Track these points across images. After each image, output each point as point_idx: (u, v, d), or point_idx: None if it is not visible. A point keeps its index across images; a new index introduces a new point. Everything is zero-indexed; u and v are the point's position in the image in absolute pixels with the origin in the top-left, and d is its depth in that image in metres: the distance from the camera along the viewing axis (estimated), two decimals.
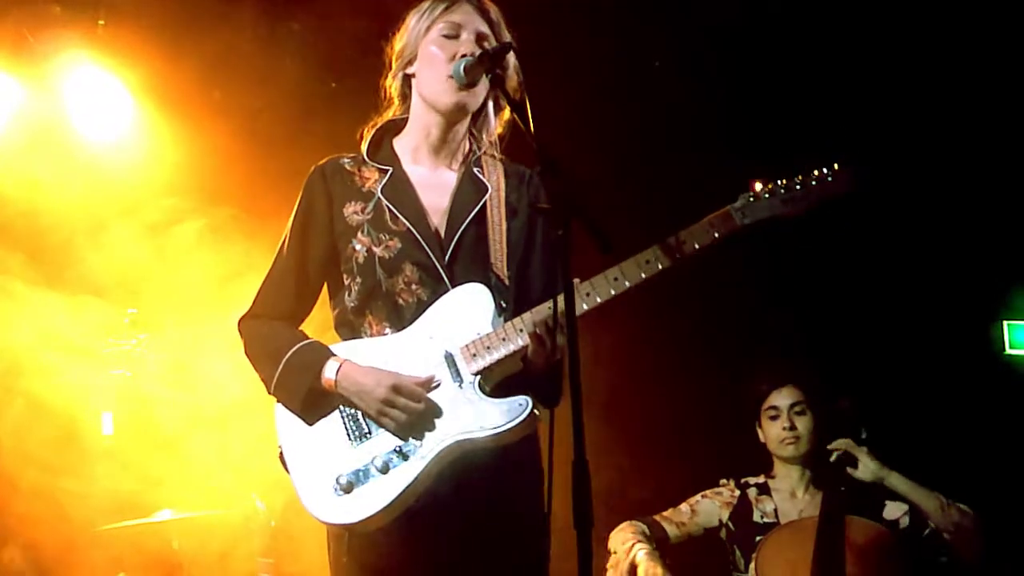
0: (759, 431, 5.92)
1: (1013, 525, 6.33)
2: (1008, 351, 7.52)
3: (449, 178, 3.94)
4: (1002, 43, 6.87)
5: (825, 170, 3.71)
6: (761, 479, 5.88)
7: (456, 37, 3.85)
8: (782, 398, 5.81)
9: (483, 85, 3.84)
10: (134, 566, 6.68)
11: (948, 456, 6.66)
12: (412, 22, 3.96)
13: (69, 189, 7.03)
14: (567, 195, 3.22)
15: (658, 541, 5.60)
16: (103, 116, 7.20)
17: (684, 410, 7.28)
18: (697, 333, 7.36)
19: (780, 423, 5.77)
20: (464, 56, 3.77)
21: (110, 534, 6.59)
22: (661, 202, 6.75)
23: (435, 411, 3.64)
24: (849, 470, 5.52)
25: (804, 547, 5.35)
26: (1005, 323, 7.52)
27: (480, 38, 3.85)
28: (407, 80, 3.98)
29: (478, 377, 3.67)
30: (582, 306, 3.59)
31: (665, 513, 5.79)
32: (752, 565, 5.51)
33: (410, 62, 3.95)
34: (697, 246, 3.66)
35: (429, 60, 3.86)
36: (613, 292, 3.65)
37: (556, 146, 3.30)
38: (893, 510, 5.54)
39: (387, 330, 3.76)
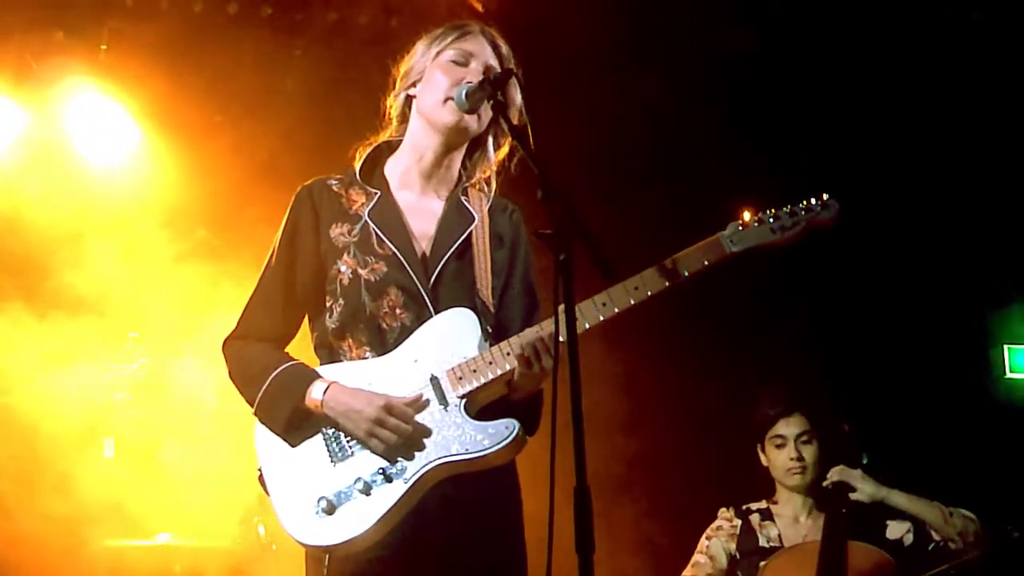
0: (761, 455, 5.90)
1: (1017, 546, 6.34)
2: (1009, 375, 7.55)
3: (436, 206, 3.93)
4: (996, 69, 6.91)
5: (814, 201, 3.76)
6: (764, 504, 5.86)
7: (465, 65, 3.86)
8: (790, 427, 5.77)
9: (485, 113, 3.85)
10: None
11: (950, 478, 6.67)
12: (422, 46, 3.97)
13: (70, 213, 7.04)
14: (570, 219, 3.23)
15: None
16: (105, 141, 7.23)
17: (684, 433, 7.28)
18: (698, 355, 7.37)
19: (787, 452, 5.74)
20: (468, 83, 3.79)
21: (111, 557, 6.58)
22: (655, 227, 6.78)
23: (422, 433, 3.62)
24: (847, 486, 5.52)
25: (806, 571, 5.34)
26: (1006, 347, 7.55)
27: (488, 71, 3.84)
28: (408, 101, 3.98)
29: (464, 401, 3.66)
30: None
31: (687, 573, 5.77)
32: None
33: (414, 83, 3.95)
34: (686, 273, 3.68)
35: (433, 81, 3.86)
36: (601, 317, 3.65)
37: (556, 171, 3.31)
38: (896, 529, 5.53)
39: (367, 354, 3.75)
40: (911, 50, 6.97)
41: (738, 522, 5.80)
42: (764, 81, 7.14)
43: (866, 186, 6.99)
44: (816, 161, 7.03)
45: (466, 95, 3.75)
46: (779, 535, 5.72)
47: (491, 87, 3.69)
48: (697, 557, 5.79)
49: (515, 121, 3.84)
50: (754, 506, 5.85)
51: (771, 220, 3.73)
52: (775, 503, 5.84)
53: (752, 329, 7.26)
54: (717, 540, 5.79)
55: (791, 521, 5.76)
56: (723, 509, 5.89)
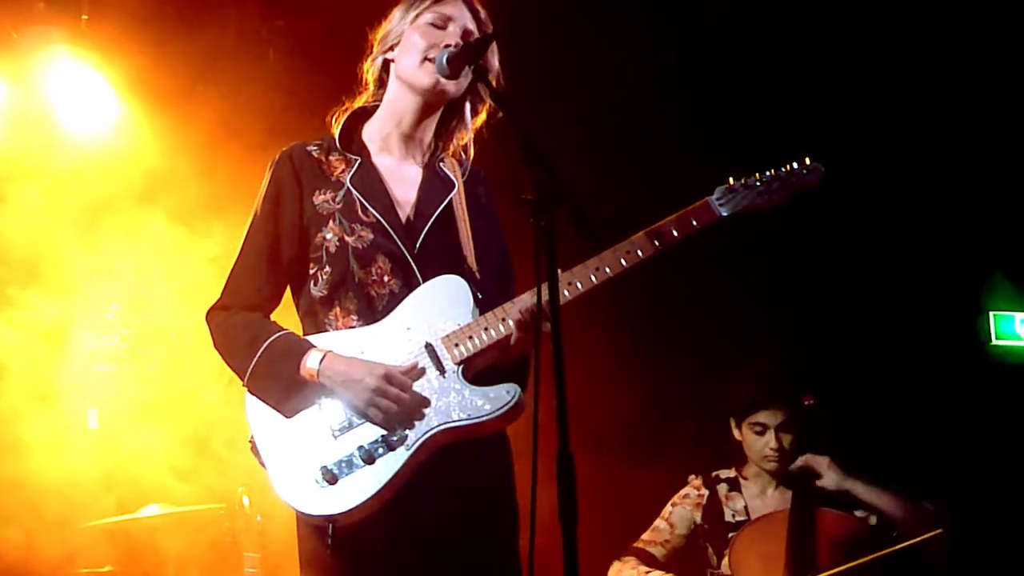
0: (735, 430, 5.85)
1: (1002, 513, 6.37)
2: (994, 342, 7.58)
3: (414, 172, 3.94)
4: (984, 42, 6.91)
5: (796, 165, 3.84)
6: (732, 472, 5.86)
7: (443, 28, 3.86)
8: (771, 417, 5.67)
9: (464, 76, 3.85)
10: (120, 561, 6.67)
11: (935, 445, 6.71)
12: (400, 11, 3.97)
13: (51, 183, 7.01)
14: (552, 185, 3.22)
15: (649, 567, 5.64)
16: (85, 111, 7.17)
17: (653, 401, 7.24)
18: (669, 324, 7.34)
19: (767, 440, 5.67)
20: (448, 47, 3.78)
21: (96, 529, 6.58)
22: (639, 196, 6.76)
23: (421, 401, 3.64)
24: (817, 476, 5.53)
25: (777, 540, 5.37)
26: (991, 314, 7.57)
27: (466, 34, 3.86)
28: (386, 65, 3.97)
29: (461, 367, 3.68)
30: (564, 294, 3.63)
31: (645, 537, 5.77)
32: (726, 560, 5.51)
33: (392, 47, 3.94)
34: (677, 234, 3.75)
35: (412, 44, 3.86)
36: (595, 280, 3.70)
37: (538, 137, 3.29)
38: (862, 510, 5.53)
39: (355, 322, 3.75)
40: (903, 26, 6.95)
41: (706, 492, 5.81)
42: (749, 51, 7.11)
43: (852, 156, 6.98)
44: (802, 128, 7.03)
45: (447, 60, 3.74)
46: (745, 507, 5.73)
47: (472, 52, 3.69)
48: (658, 523, 5.82)
49: (495, 84, 3.86)
50: (723, 474, 5.86)
51: (757, 184, 3.80)
52: (744, 477, 5.83)
53: (729, 302, 7.24)
54: (682, 508, 5.81)
55: (758, 493, 5.77)
56: (692, 476, 5.91)
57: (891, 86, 7.08)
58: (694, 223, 3.75)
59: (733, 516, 5.72)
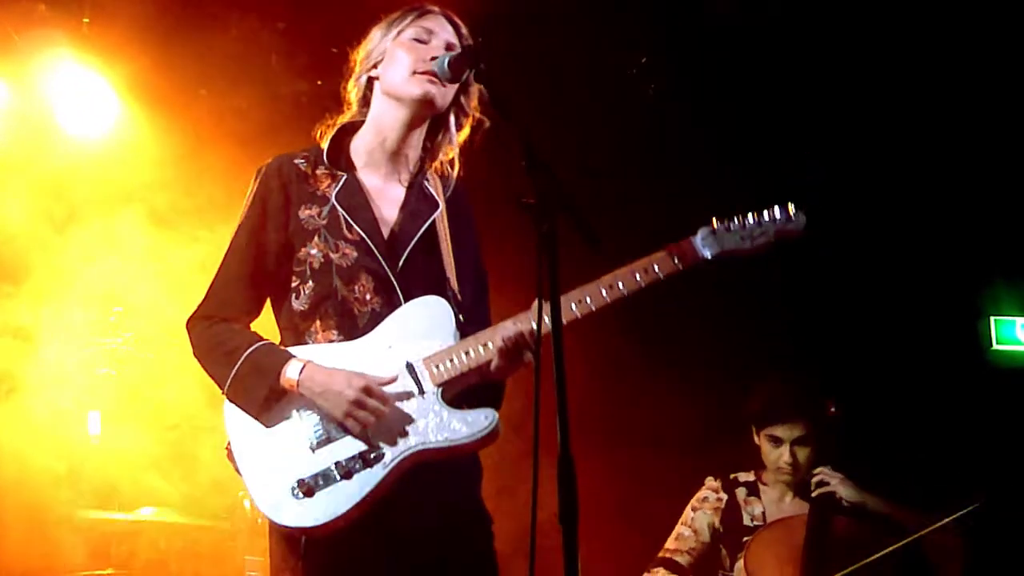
0: (755, 436, 5.84)
1: (1004, 519, 6.37)
2: (995, 347, 7.58)
3: (399, 192, 3.95)
4: (987, 46, 6.91)
5: (779, 212, 3.82)
6: (751, 476, 5.83)
7: (427, 42, 3.87)
8: (787, 432, 5.66)
9: (450, 88, 3.86)
10: (121, 564, 6.67)
11: (936, 450, 6.71)
12: (380, 30, 3.98)
13: (51, 187, 7.02)
14: (554, 190, 3.21)
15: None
16: (87, 114, 7.18)
17: (670, 406, 7.25)
18: (682, 327, 7.34)
19: (782, 453, 5.66)
20: (435, 58, 3.79)
21: (97, 530, 6.58)
22: (641, 197, 6.77)
23: (399, 418, 3.65)
24: (833, 494, 5.53)
25: (792, 543, 5.36)
26: (992, 319, 7.58)
27: (449, 47, 3.87)
28: (370, 83, 3.97)
29: (440, 389, 3.69)
30: (547, 324, 3.57)
31: (670, 545, 5.74)
32: (740, 563, 5.50)
33: (375, 64, 3.95)
34: (661, 274, 3.75)
35: (398, 58, 3.87)
36: (578, 314, 3.71)
37: (538, 139, 3.29)
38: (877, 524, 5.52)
39: (335, 336, 3.76)
40: (906, 28, 6.95)
41: (724, 496, 5.78)
42: (751, 53, 7.11)
43: (853, 160, 6.99)
44: (804, 130, 7.04)
45: (449, 63, 3.75)
46: (763, 513, 5.71)
47: (474, 55, 3.70)
48: (681, 529, 5.78)
49: (474, 102, 3.94)
50: (741, 477, 5.83)
51: (742, 228, 3.80)
52: (764, 482, 5.81)
53: (729, 310, 7.23)
54: (702, 513, 5.78)
55: (776, 499, 5.74)
56: (710, 479, 5.87)
57: (893, 90, 7.07)
58: (677, 263, 3.76)
59: (752, 520, 5.69)
